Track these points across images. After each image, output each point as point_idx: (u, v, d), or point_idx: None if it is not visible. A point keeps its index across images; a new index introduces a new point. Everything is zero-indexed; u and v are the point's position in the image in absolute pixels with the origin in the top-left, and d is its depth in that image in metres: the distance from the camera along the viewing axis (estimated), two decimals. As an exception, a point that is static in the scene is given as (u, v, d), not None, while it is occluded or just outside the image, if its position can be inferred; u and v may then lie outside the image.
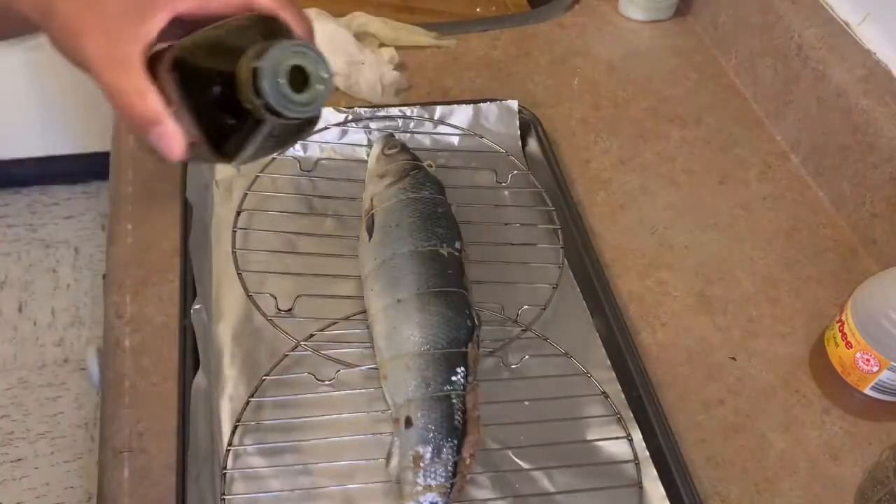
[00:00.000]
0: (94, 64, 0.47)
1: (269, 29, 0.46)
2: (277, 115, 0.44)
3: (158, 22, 0.47)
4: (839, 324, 0.69)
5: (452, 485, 0.58)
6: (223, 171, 0.81)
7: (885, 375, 0.66)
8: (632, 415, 0.68)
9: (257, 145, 0.48)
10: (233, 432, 0.63)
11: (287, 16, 0.48)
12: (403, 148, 0.76)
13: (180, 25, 0.47)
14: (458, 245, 0.69)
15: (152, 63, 0.47)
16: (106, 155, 0.86)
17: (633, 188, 0.87)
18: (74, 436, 1.65)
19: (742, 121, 0.96)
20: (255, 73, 0.43)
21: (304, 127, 0.49)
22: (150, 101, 0.46)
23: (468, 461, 0.60)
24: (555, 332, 0.72)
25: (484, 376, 0.68)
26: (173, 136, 0.47)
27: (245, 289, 0.70)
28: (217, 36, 0.46)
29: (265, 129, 0.46)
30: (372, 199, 0.72)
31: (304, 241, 0.76)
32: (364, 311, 0.68)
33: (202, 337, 0.69)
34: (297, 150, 0.83)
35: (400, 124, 0.85)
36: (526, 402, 0.68)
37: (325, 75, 0.45)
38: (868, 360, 0.66)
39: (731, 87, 1.00)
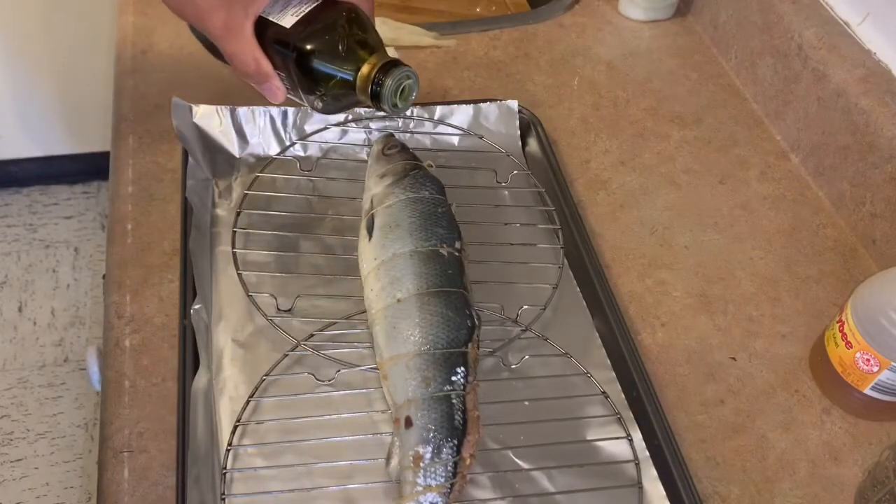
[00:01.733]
0: (216, 34, 0.64)
1: (359, 23, 0.65)
2: (378, 106, 0.65)
3: (265, 1, 0.64)
4: (839, 324, 0.69)
5: (452, 485, 0.58)
6: (223, 171, 0.82)
7: (885, 375, 0.66)
8: (632, 415, 0.68)
9: (344, 108, 0.71)
10: (233, 432, 0.63)
11: (362, 3, 0.66)
12: (403, 148, 0.76)
13: None
14: (458, 245, 0.69)
15: (257, 27, 0.64)
16: (106, 155, 0.86)
17: (633, 188, 0.87)
18: (74, 436, 1.65)
19: (742, 121, 0.96)
20: (378, 81, 0.63)
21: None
22: (264, 65, 0.65)
23: (468, 461, 0.60)
24: (555, 332, 0.72)
25: (484, 376, 0.68)
26: (278, 89, 0.67)
27: (245, 289, 0.70)
28: (329, 38, 0.64)
29: (357, 103, 0.66)
30: (372, 199, 0.72)
31: (304, 241, 0.76)
32: (364, 311, 0.68)
33: (202, 337, 0.69)
34: (297, 149, 0.83)
35: (400, 124, 0.86)
36: (526, 402, 0.68)
37: (416, 91, 0.66)
38: (868, 360, 0.66)
39: (731, 87, 1.00)
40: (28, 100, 1.89)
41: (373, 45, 0.65)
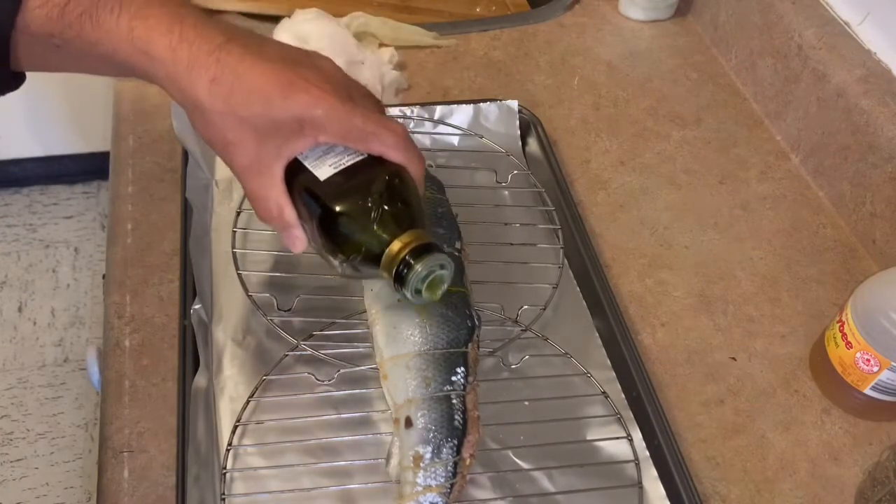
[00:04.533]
0: (241, 171, 0.56)
1: (401, 189, 0.57)
2: (399, 290, 0.56)
3: (301, 146, 0.55)
4: (839, 324, 0.69)
5: (452, 485, 0.58)
6: (223, 171, 0.81)
7: (885, 375, 0.66)
8: (632, 415, 0.68)
9: (365, 278, 0.64)
10: (233, 432, 0.63)
11: (412, 167, 0.58)
12: (403, 148, 0.76)
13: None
14: (458, 245, 0.69)
15: (287, 171, 0.56)
16: (106, 155, 0.86)
17: (633, 188, 0.87)
18: (74, 436, 1.65)
19: (742, 121, 0.96)
20: (405, 265, 0.54)
21: None
22: (287, 214, 0.57)
23: (468, 461, 0.60)
24: (555, 332, 0.72)
25: (484, 376, 0.68)
26: (299, 239, 0.58)
27: (245, 289, 0.70)
28: (366, 203, 0.55)
29: (379, 275, 0.57)
30: (372, 199, 0.72)
31: (304, 241, 0.76)
32: (364, 311, 0.68)
33: (202, 337, 0.69)
34: (297, 150, 0.83)
35: (400, 124, 0.85)
36: (526, 402, 0.68)
37: (447, 283, 0.57)
38: (868, 360, 0.66)
39: (731, 87, 1.00)
40: (28, 100, 1.89)
41: (411, 219, 0.56)
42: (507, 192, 0.83)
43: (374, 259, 0.56)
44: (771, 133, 0.95)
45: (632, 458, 0.65)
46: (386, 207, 0.55)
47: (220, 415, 0.65)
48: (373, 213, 0.55)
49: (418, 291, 0.56)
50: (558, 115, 0.94)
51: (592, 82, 0.99)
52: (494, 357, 0.69)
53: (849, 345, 0.67)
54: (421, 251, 0.55)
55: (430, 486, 0.58)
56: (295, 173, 0.56)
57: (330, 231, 0.56)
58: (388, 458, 0.60)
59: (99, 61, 0.54)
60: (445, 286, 0.57)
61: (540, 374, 0.69)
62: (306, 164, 0.56)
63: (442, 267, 0.56)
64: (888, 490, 0.61)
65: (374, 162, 0.57)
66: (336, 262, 0.58)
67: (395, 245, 0.55)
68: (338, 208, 0.55)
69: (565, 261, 0.77)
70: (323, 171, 0.56)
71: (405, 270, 0.55)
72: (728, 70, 1.02)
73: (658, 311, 0.77)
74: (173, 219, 0.78)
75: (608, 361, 0.72)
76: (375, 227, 0.55)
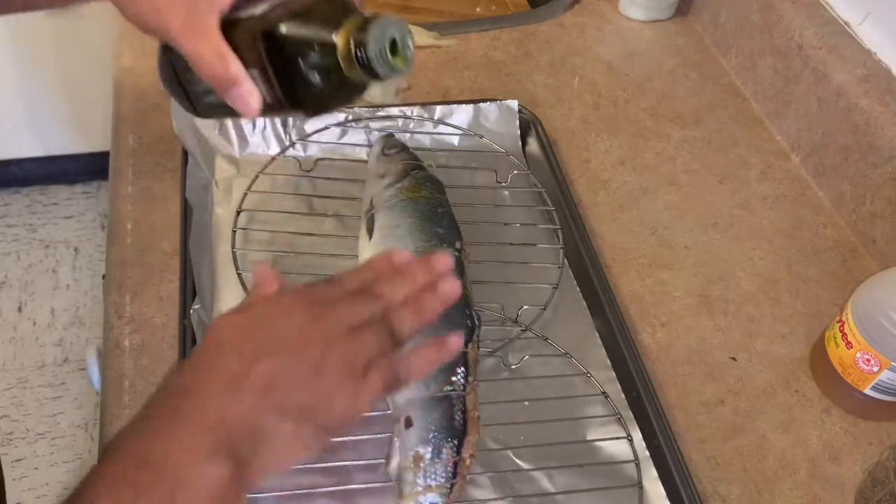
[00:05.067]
0: (177, 34, 0.54)
1: (338, 3, 0.55)
2: (374, 76, 0.53)
3: None
4: (839, 324, 0.69)
5: (452, 485, 0.58)
6: (223, 171, 0.81)
7: (885, 375, 0.66)
8: (632, 415, 0.68)
9: (338, 100, 0.59)
10: (233, 432, 0.63)
11: None
12: (403, 148, 0.76)
13: None
14: (458, 245, 0.69)
15: (225, 27, 0.54)
16: (106, 155, 0.86)
17: (633, 188, 0.87)
18: (74, 436, 1.65)
19: (742, 121, 0.96)
20: (359, 43, 0.52)
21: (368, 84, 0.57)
22: (232, 65, 0.54)
23: (468, 461, 0.60)
24: (555, 332, 0.72)
25: (484, 376, 0.68)
26: (251, 95, 0.55)
27: (245, 289, 0.70)
28: (299, 11, 0.54)
29: (347, 93, 0.56)
30: (372, 199, 0.72)
31: (304, 241, 0.76)
32: (364, 311, 0.68)
33: (202, 337, 0.69)
34: (297, 150, 0.83)
35: (400, 124, 0.85)
36: (526, 402, 0.68)
37: (411, 43, 0.55)
38: (868, 360, 0.66)
39: (731, 87, 1.00)
40: (28, 100, 1.89)
41: (352, 10, 0.55)
42: (507, 192, 0.83)
43: (331, 65, 0.53)
44: (771, 133, 0.95)
45: (632, 458, 0.65)
46: (327, 9, 0.54)
47: (220, 415, 0.65)
48: (316, 16, 0.54)
49: (389, 64, 0.53)
50: (558, 115, 0.94)
51: (592, 82, 0.99)
52: (494, 357, 0.69)
53: (849, 345, 0.67)
54: (365, 24, 0.53)
55: (430, 486, 0.58)
56: (233, 30, 0.55)
57: (279, 59, 0.54)
58: (388, 458, 0.60)
59: None
60: (411, 45, 0.55)
61: (540, 374, 0.69)
62: (242, 16, 0.55)
63: (393, 26, 0.53)
64: (888, 490, 0.61)
65: None
66: (302, 104, 0.56)
67: (342, 33, 0.53)
68: (282, 28, 0.54)
69: (565, 261, 0.77)
70: (259, 9, 0.55)
71: (363, 49, 0.52)
72: (728, 70, 1.02)
73: (658, 311, 0.76)
74: (173, 219, 0.78)
75: (608, 361, 0.72)
76: (321, 29, 0.54)
